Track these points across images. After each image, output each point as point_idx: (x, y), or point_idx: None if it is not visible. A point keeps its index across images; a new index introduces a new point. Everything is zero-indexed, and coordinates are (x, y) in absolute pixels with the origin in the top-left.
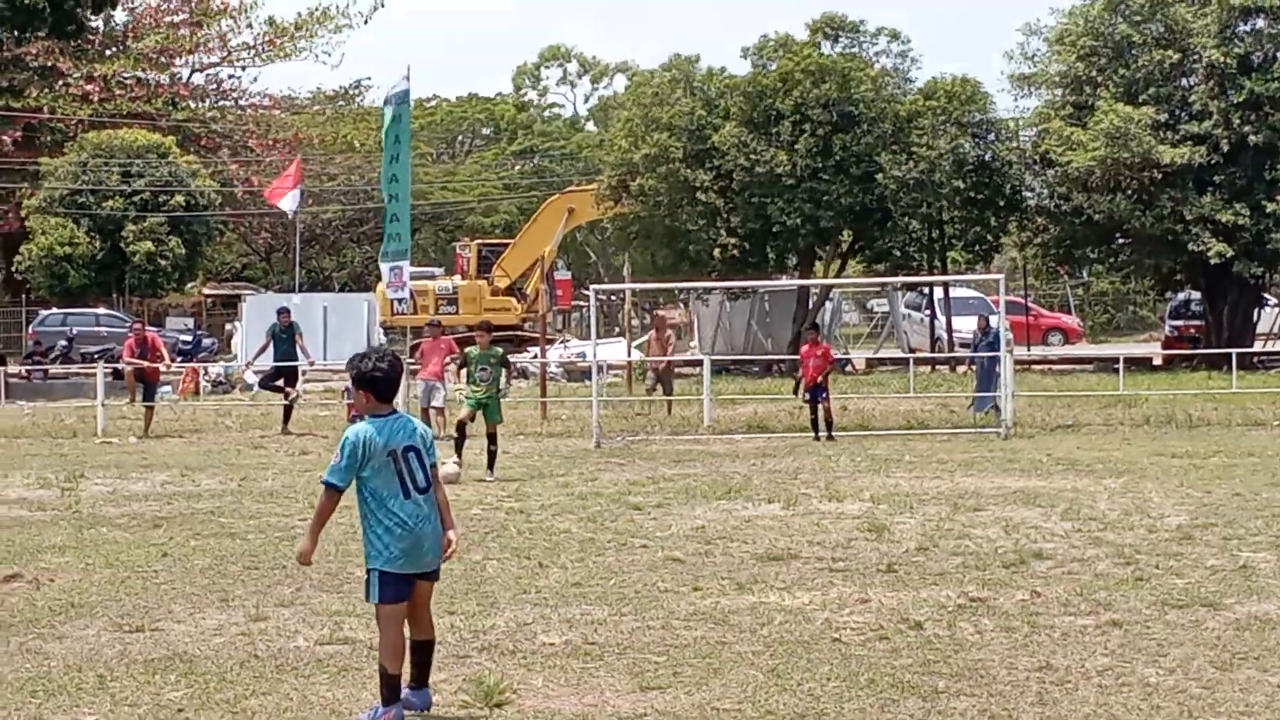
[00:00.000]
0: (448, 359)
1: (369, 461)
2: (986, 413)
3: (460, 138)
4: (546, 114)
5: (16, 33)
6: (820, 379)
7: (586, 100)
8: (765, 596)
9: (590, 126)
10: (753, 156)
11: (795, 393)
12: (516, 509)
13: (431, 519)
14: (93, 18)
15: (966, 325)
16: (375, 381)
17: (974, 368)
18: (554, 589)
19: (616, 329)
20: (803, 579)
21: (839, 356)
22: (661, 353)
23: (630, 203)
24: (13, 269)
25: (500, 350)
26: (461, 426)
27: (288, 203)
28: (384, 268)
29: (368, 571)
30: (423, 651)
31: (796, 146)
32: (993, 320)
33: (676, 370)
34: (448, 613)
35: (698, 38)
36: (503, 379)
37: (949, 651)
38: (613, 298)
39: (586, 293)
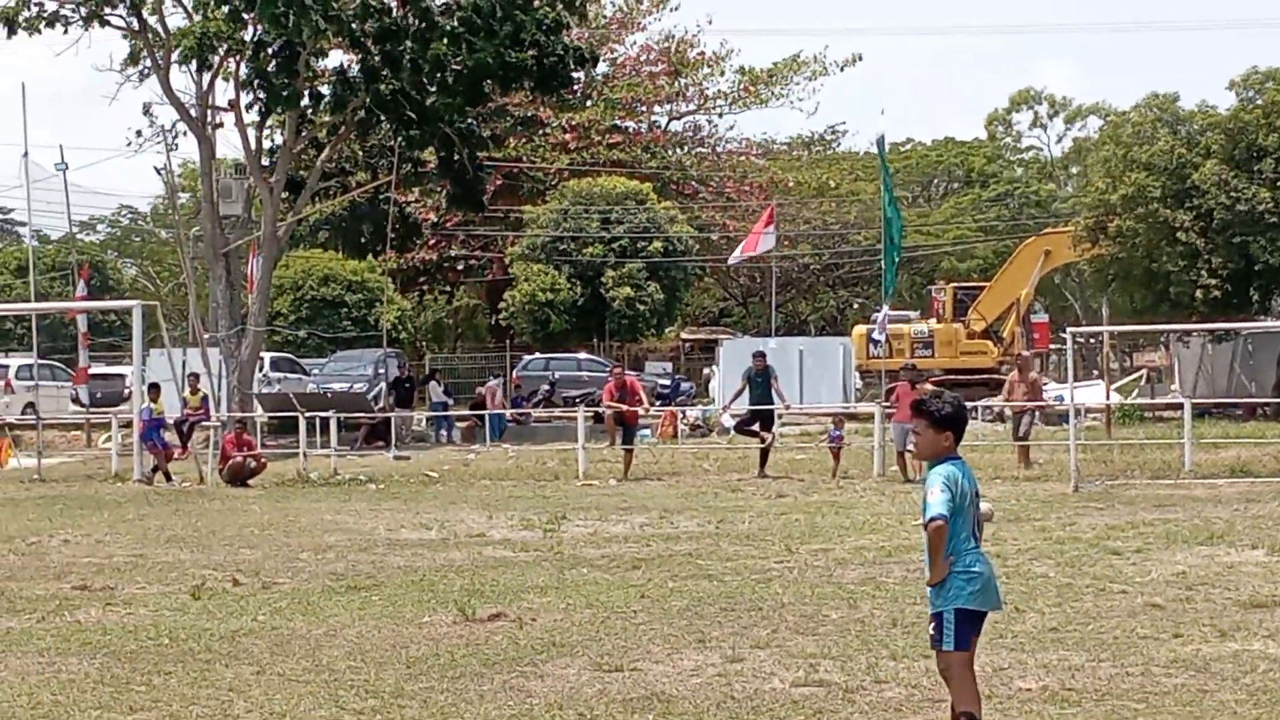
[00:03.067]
0: None
1: (960, 500)
2: None
3: (935, 181)
4: (1024, 156)
5: (502, 86)
6: None
7: (1059, 141)
8: (1249, 644)
9: (1072, 169)
10: (1234, 194)
11: None
12: (993, 553)
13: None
14: (576, 70)
15: None
16: (959, 422)
17: None
18: (1030, 634)
19: (1095, 371)
20: None
21: None
22: (1026, 397)
23: (1107, 244)
24: (498, 315)
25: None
26: None
27: (763, 244)
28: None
29: (937, 617)
30: None
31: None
32: None
33: (1156, 415)
34: (922, 656)
35: (1176, 74)
36: None
37: None
38: (1090, 340)
39: (1064, 335)
